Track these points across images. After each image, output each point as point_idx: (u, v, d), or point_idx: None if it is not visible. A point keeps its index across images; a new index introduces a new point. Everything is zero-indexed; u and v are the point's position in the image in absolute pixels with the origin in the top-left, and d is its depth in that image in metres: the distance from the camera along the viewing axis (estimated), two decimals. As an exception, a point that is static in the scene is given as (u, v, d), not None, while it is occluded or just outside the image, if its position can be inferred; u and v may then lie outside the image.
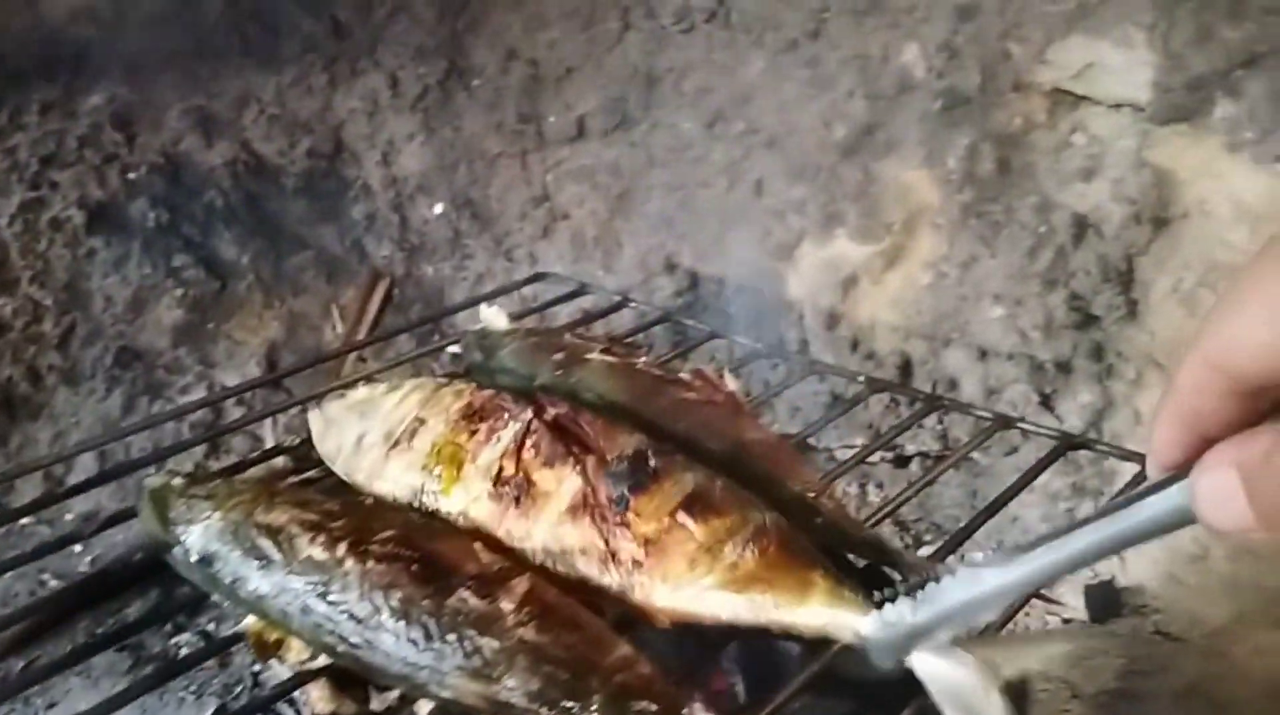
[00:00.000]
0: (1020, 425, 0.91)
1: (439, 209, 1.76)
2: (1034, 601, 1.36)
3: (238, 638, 0.66)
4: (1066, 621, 1.34)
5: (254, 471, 0.85)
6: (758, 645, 0.77)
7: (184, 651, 1.34)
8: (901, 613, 0.56)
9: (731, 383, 0.86)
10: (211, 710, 1.24)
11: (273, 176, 1.71)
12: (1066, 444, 0.87)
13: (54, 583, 1.42)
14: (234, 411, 1.50)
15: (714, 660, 0.78)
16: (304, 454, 0.86)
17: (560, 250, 1.75)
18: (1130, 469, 0.82)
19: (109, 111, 1.66)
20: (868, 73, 1.54)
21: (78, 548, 1.45)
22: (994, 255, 1.46)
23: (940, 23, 1.48)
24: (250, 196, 1.69)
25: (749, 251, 1.62)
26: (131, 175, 1.65)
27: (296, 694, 0.79)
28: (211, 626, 1.36)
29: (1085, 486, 1.41)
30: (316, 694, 0.68)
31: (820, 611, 0.60)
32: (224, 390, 1.50)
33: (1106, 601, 1.33)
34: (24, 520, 1.50)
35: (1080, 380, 1.43)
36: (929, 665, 0.57)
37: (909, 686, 0.59)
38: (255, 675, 1.27)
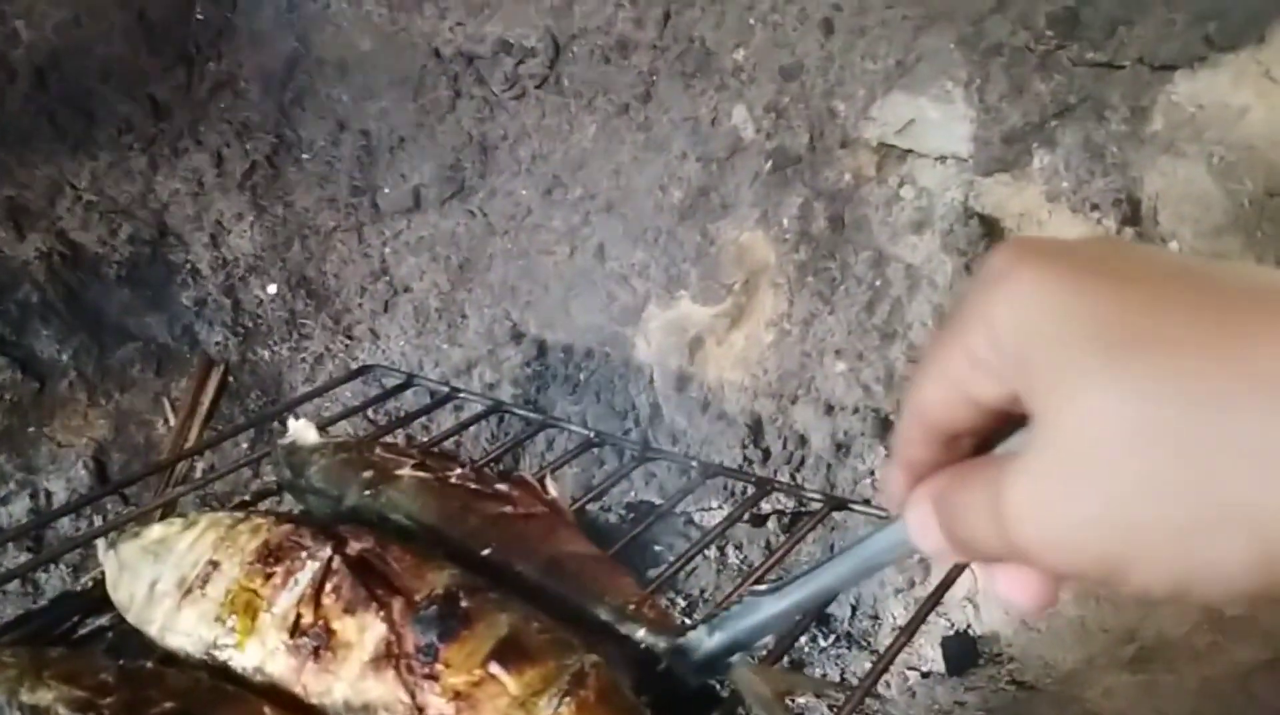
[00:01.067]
0: (851, 506, 0.90)
1: (273, 289, 1.70)
2: (899, 659, 1.36)
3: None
4: (925, 675, 1.35)
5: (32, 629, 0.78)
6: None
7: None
8: (700, 637, 0.61)
9: (553, 489, 0.83)
10: None
11: (92, 266, 1.63)
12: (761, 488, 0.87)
13: None
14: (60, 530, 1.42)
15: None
16: (99, 596, 0.80)
17: (403, 324, 1.70)
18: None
19: (-93, 206, 1.57)
20: (699, 134, 1.54)
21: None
22: (833, 311, 1.47)
23: (766, 84, 1.49)
24: (69, 289, 1.61)
25: (595, 317, 1.60)
26: (-68, 276, 1.55)
27: None
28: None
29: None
30: None
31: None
32: (50, 513, 1.41)
33: (963, 652, 1.33)
34: None
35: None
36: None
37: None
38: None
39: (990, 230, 1.46)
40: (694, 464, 0.97)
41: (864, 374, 1.45)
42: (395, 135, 1.72)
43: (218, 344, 1.66)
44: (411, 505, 0.78)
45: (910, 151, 1.49)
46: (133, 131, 1.68)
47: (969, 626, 1.37)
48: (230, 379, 1.63)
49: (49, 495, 1.51)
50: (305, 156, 1.74)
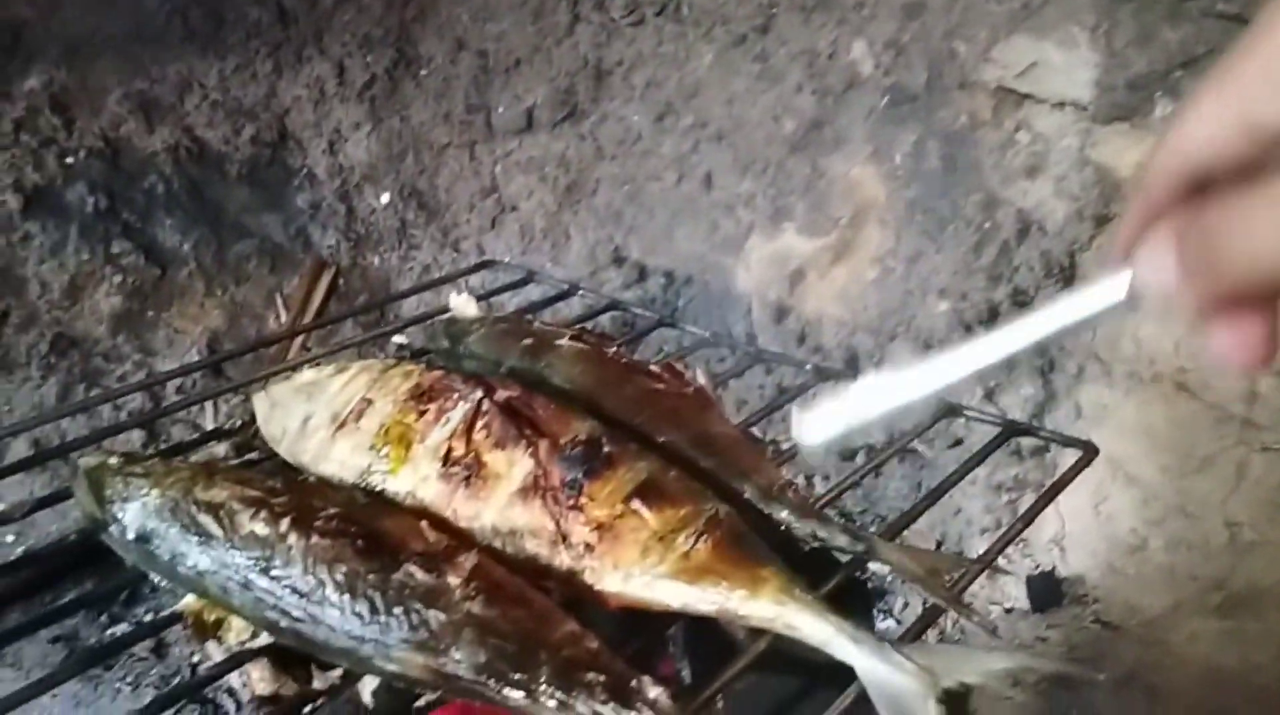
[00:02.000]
0: (965, 412, 0.91)
1: (385, 199, 1.74)
2: (975, 591, 1.38)
3: (175, 619, 0.65)
4: (1009, 611, 1.36)
5: (191, 457, 0.83)
6: (704, 628, 0.76)
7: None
8: (837, 407, 0.55)
9: (700, 377, 0.85)
10: (149, 700, 1.21)
11: (216, 163, 1.68)
12: (1010, 430, 0.88)
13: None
14: (173, 399, 1.47)
15: (660, 643, 0.78)
16: (245, 439, 0.85)
17: (508, 242, 1.74)
18: (1073, 455, 0.83)
19: (46, 95, 1.62)
20: (816, 68, 1.55)
21: (9, 537, 1.42)
22: (939, 250, 1.48)
23: (887, 20, 1.49)
24: (192, 183, 1.66)
25: (697, 244, 1.62)
26: (69, 159, 1.61)
27: (236, 676, 0.78)
28: (149, 617, 1.33)
29: (1028, 479, 1.43)
30: (257, 675, 0.66)
31: (770, 606, 0.60)
32: (163, 373, 1.47)
33: (1047, 591, 1.34)
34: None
35: (1023, 374, 1.45)
36: (869, 669, 0.57)
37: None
38: (194, 666, 1.25)
39: (1104, 179, 1.46)
40: (808, 366, 0.99)
41: (966, 314, 1.46)
42: (512, 56, 1.75)
43: (330, 247, 1.70)
44: (570, 370, 0.80)
45: (1029, 96, 1.48)
46: (260, 36, 1.72)
47: (1055, 568, 1.37)
48: (340, 282, 1.68)
49: (163, 372, 1.56)
50: (423, 72, 1.78)
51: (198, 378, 1.48)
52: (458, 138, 1.76)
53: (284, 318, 1.65)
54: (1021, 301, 1.44)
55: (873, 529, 1.53)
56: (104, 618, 1.33)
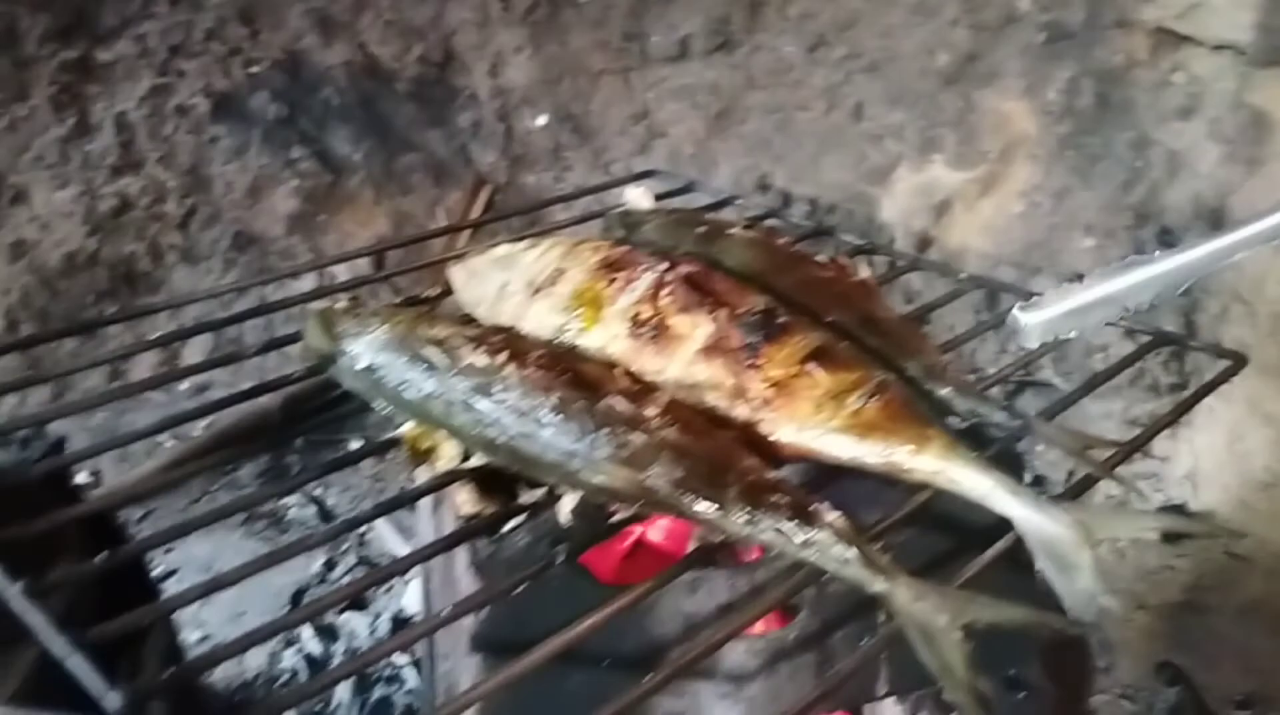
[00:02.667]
0: (1119, 322, 0.94)
1: (542, 120, 1.82)
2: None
3: (393, 443, 0.73)
4: (1135, 541, 1.38)
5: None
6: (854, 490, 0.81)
7: (293, 512, 1.42)
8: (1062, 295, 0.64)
9: (865, 271, 0.90)
10: (321, 562, 1.32)
11: (386, 79, 1.77)
12: (1160, 338, 0.91)
13: (170, 443, 1.51)
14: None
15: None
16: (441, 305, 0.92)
17: (656, 166, 1.79)
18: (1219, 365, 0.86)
19: (234, 7, 1.73)
20: (973, 3, 1.57)
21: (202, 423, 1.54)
22: (1088, 187, 1.49)
23: (1049, -45, 1.50)
24: (364, 97, 1.76)
25: (843, 174, 1.66)
26: (254, 69, 1.72)
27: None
28: (319, 491, 1.44)
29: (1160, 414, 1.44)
30: (463, 496, 0.74)
31: (935, 461, 0.65)
32: (332, 257, 1.54)
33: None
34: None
35: (1165, 314, 1.46)
36: (1027, 519, 0.62)
37: (1002, 525, 0.64)
38: (361, 536, 1.35)
39: (1259, 123, 1.45)
40: (963, 276, 1.03)
41: (1111, 252, 1.47)
42: (670, -15, 1.80)
43: (488, 164, 1.79)
44: (743, 255, 0.85)
45: (1187, 38, 1.48)
46: (431, -41, 1.80)
47: (1186, 503, 1.39)
48: (497, 198, 1.76)
49: (333, 278, 1.67)
50: (583, 0, 1.84)
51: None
52: (613, 64, 1.82)
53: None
54: (1168, 241, 1.45)
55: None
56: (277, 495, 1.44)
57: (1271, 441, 1.32)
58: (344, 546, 1.36)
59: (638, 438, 0.62)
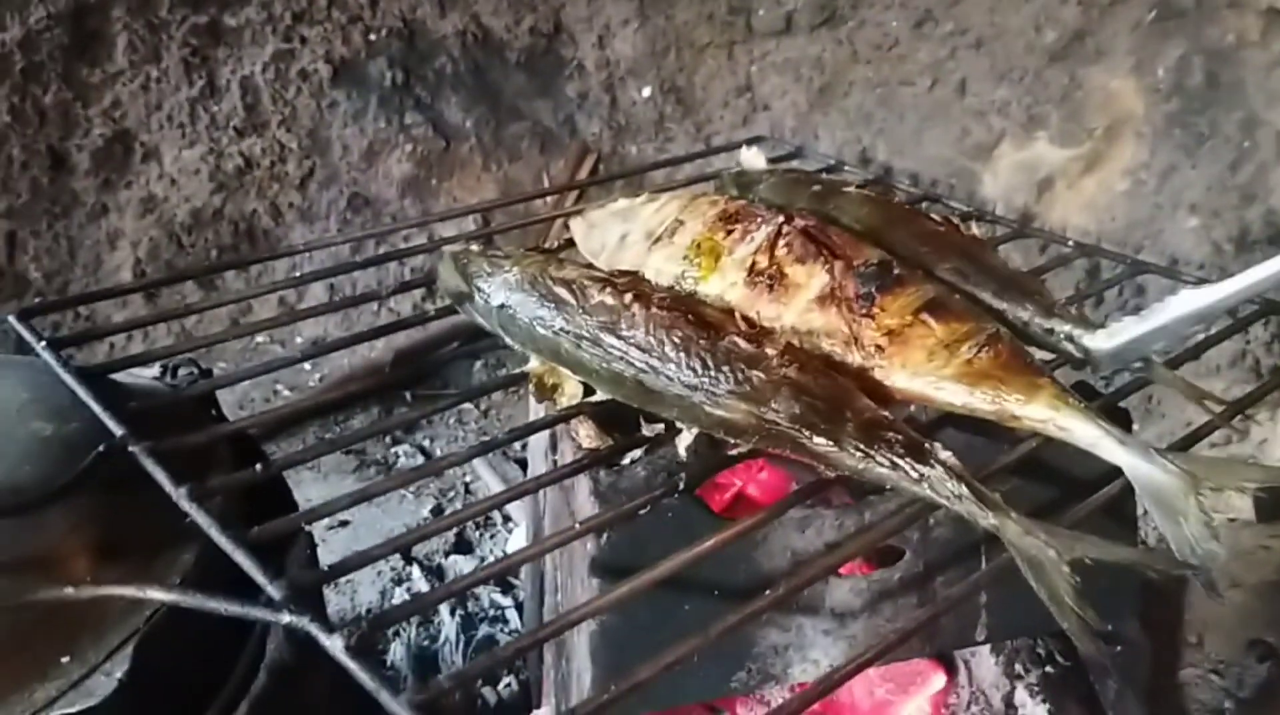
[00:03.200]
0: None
1: (647, 92, 1.85)
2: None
3: (522, 377, 0.77)
4: (1231, 520, 1.38)
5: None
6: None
7: (401, 461, 1.49)
8: (1127, 326, 0.68)
9: (976, 229, 0.93)
10: (430, 508, 1.38)
11: (497, 49, 1.82)
12: (1268, 308, 0.92)
13: (286, 393, 1.58)
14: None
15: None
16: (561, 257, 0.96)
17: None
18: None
19: (355, -25, 1.80)
20: (1084, -21, 1.56)
21: (308, 366, 1.61)
22: (1194, 166, 1.49)
23: (1162, -67, 1.49)
24: (476, 65, 1.81)
25: (946, 149, 1.67)
26: (372, 36, 1.78)
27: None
28: (426, 442, 1.50)
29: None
30: (584, 431, 0.78)
31: (1044, 410, 0.67)
32: (439, 213, 1.61)
33: (1276, 503, 1.36)
34: (259, 339, 1.67)
35: (1270, 295, 1.45)
36: (1135, 466, 0.64)
37: (1105, 478, 0.66)
38: (467, 486, 1.41)
39: (1374, 105, 1.43)
40: (1070, 243, 1.04)
41: (1216, 232, 1.47)
42: (777, -39, 1.82)
43: (593, 134, 1.83)
44: (858, 211, 0.88)
45: (1302, 18, 1.46)
46: (543, -68, 1.85)
47: (1282, 485, 1.38)
48: (601, 167, 1.80)
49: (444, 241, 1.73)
50: (691, -27, 1.87)
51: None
52: (718, 37, 1.84)
53: (549, 197, 1.79)
54: (1274, 222, 1.44)
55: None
56: (387, 439, 1.51)
57: (1377, 424, 1.31)
58: (451, 494, 1.42)
59: (758, 374, 0.65)
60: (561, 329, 0.71)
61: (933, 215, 0.89)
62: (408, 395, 1.54)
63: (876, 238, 0.85)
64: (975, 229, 0.90)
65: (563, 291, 0.73)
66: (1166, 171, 1.50)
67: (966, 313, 0.74)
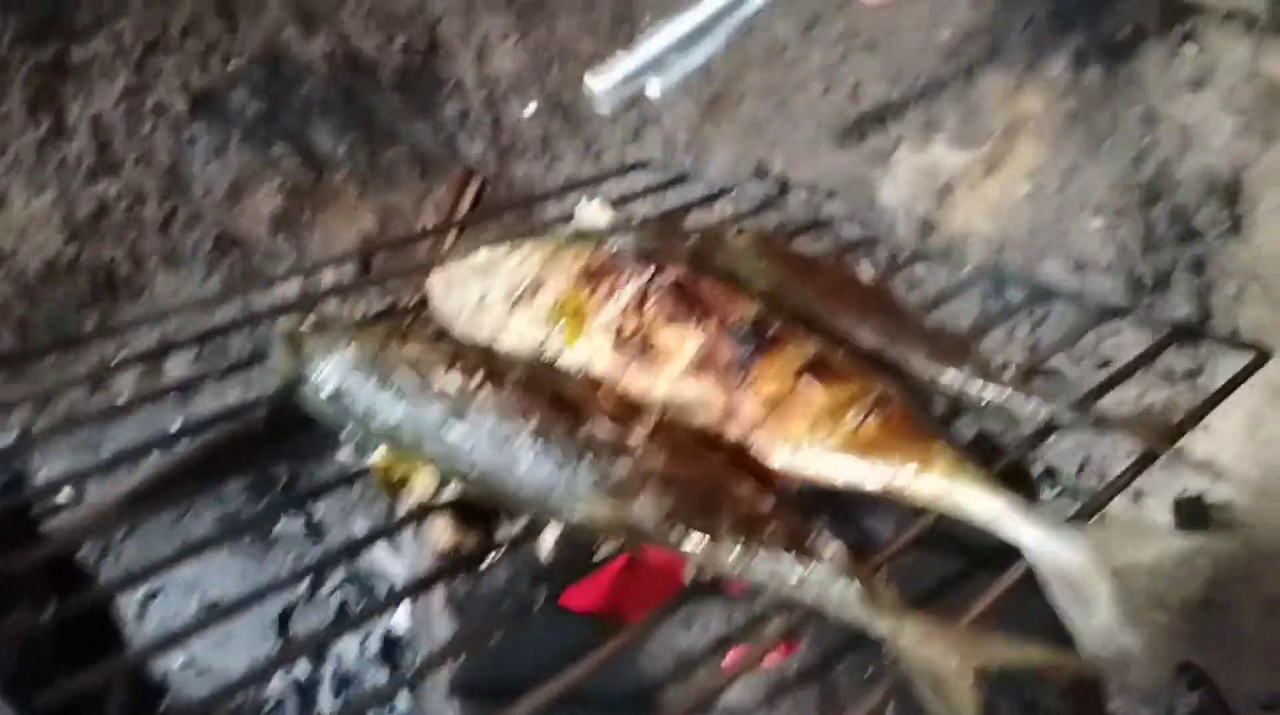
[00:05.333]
0: (1130, 311, 0.91)
1: (531, 109, 1.77)
2: (1118, 510, 1.36)
3: (364, 472, 0.68)
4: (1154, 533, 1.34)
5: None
6: (852, 513, 0.77)
7: (280, 526, 1.38)
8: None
9: (866, 268, 0.86)
10: (307, 582, 1.28)
11: (369, 70, 1.72)
12: (1177, 332, 0.87)
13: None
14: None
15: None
16: (420, 317, 0.88)
17: (650, 153, 1.74)
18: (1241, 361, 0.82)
19: (212, 0, 1.68)
20: (975, -26, 1.51)
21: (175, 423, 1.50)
22: (1096, 165, 1.44)
23: (1053, -75, 1.45)
24: (347, 89, 1.71)
25: (843, 157, 1.61)
26: (232, 64, 1.67)
27: (389, 554, 0.82)
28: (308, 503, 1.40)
29: (1178, 403, 1.40)
30: (439, 528, 0.70)
31: (940, 482, 0.60)
32: (317, 262, 1.52)
33: (1195, 515, 1.32)
34: (122, 398, 1.55)
35: (1179, 295, 1.41)
36: (1041, 545, 0.57)
37: (1015, 548, 0.60)
38: (350, 551, 1.31)
39: (1275, 93, 1.40)
40: (967, 268, 0.98)
41: (1121, 232, 1.42)
42: (660, -35, 1.74)
43: (477, 156, 1.74)
44: (754, 262, 0.80)
45: (1196, 6, 1.43)
46: (412, -56, 1.75)
47: (1203, 494, 1.35)
48: (487, 190, 1.71)
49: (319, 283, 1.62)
50: (571, -19, 1.78)
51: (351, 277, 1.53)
52: (603, 48, 1.76)
53: (432, 223, 1.70)
54: (1180, 219, 1.40)
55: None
56: (264, 500, 1.40)
57: (1293, 429, 1.28)
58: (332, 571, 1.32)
59: (622, 465, 0.57)
60: (401, 420, 0.63)
61: (824, 259, 0.83)
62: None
63: (763, 291, 0.78)
64: (866, 267, 0.84)
65: (404, 373, 0.64)
66: (1068, 171, 1.45)
67: (853, 371, 0.68)
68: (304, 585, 1.28)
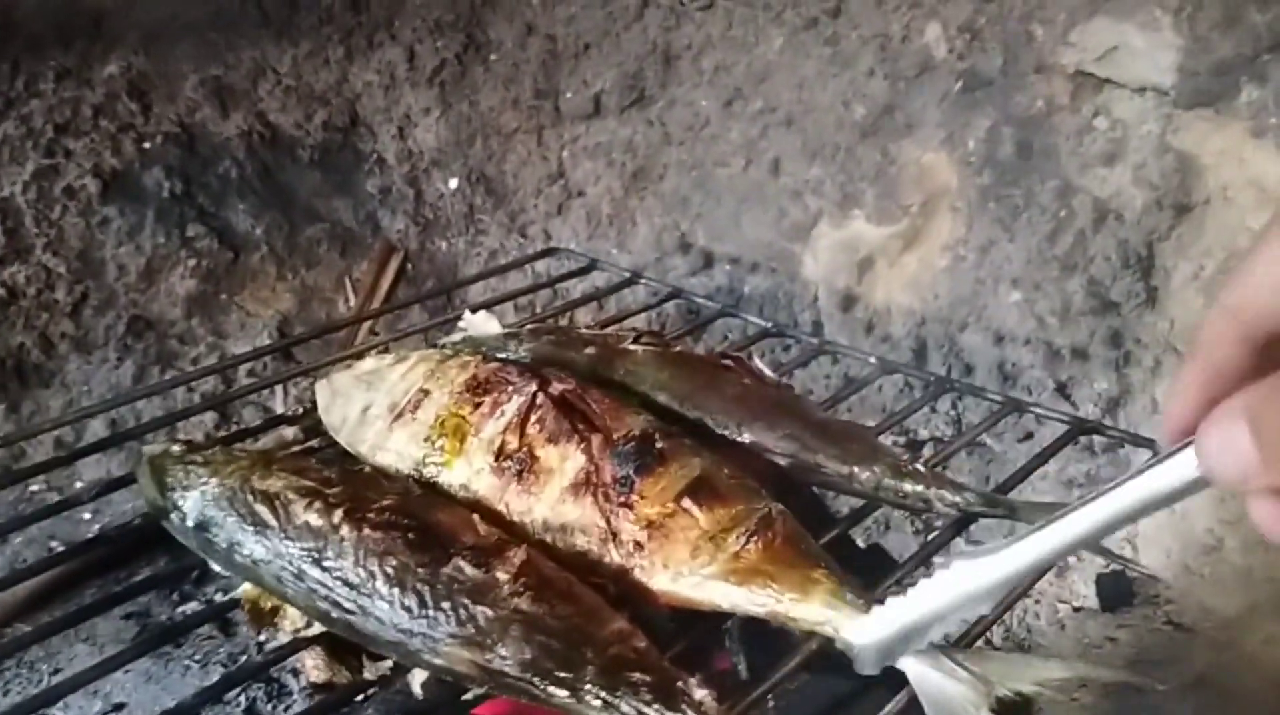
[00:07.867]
0: (1032, 409, 0.90)
1: (454, 184, 1.75)
2: (1043, 588, 1.35)
3: (236, 604, 0.66)
4: (1077, 610, 1.33)
5: (258, 441, 0.84)
6: (761, 620, 0.76)
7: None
8: (895, 614, 0.52)
9: (765, 368, 0.85)
10: (216, 678, 1.24)
11: (288, 148, 1.70)
12: (1079, 428, 0.86)
13: (61, 548, 1.42)
14: (245, 381, 1.50)
15: (717, 637, 0.78)
16: (310, 425, 0.85)
17: (574, 227, 1.74)
18: (1144, 455, 0.81)
19: (125, 80, 1.65)
20: (888, 52, 1.52)
21: (86, 515, 1.46)
22: (1012, 239, 1.45)
23: (963, 3, 1.46)
24: (265, 168, 1.69)
25: (764, 231, 1.61)
26: (146, 144, 1.64)
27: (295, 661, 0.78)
28: (219, 596, 1.36)
29: (1099, 475, 1.40)
30: (310, 662, 0.67)
31: (820, 611, 0.59)
32: (234, 357, 1.50)
33: (1118, 590, 1.31)
34: (34, 487, 1.51)
35: (1097, 367, 1.41)
36: (922, 675, 0.56)
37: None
38: (260, 645, 1.27)
39: (1185, 167, 1.41)
40: (873, 359, 0.97)
41: (1039, 306, 1.43)
42: (581, 41, 1.74)
43: (399, 232, 1.72)
44: (658, 376, 0.79)
45: (1107, 81, 1.44)
46: (332, 22, 1.74)
47: (1124, 567, 1.34)
48: (409, 266, 1.69)
49: (234, 356, 1.59)
50: (493, 57, 1.78)
51: (268, 361, 1.51)
52: (525, 123, 1.76)
53: (353, 301, 1.67)
54: (1096, 293, 1.40)
55: (939, 523, 1.52)
56: (175, 596, 1.37)
57: (1213, 502, 1.27)
58: (243, 657, 1.28)
59: (484, 611, 0.55)
60: (261, 559, 0.60)
61: (724, 362, 0.81)
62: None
63: (662, 401, 0.77)
64: (764, 367, 0.82)
65: (264, 509, 0.62)
66: (985, 246, 1.46)
67: (735, 492, 0.66)
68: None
